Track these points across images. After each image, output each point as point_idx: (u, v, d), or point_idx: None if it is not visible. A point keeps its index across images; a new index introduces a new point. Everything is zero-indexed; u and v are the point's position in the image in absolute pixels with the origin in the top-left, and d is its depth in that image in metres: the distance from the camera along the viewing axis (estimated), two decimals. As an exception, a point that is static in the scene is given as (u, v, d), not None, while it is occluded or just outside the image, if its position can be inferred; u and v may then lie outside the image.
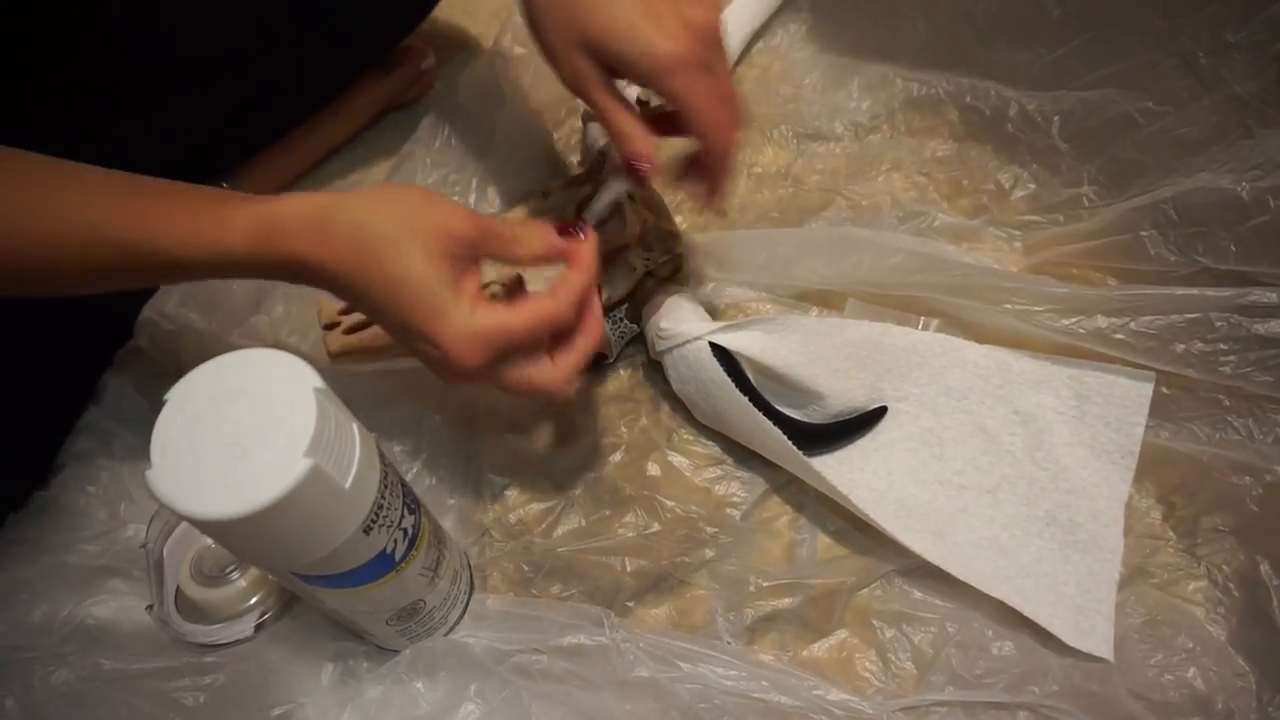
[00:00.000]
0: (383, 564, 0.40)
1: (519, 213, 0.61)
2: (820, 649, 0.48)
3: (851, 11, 0.67)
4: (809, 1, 0.69)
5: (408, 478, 0.52)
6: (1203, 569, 0.48)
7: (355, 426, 0.36)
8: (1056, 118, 0.58)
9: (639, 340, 0.56)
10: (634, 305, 0.53)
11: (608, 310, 0.52)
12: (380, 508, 0.38)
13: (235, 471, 0.32)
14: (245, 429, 0.33)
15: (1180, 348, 0.49)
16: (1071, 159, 0.58)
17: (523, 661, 0.46)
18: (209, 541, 0.50)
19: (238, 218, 0.39)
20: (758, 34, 0.70)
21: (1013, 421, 0.51)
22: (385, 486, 0.38)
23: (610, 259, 0.52)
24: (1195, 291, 0.48)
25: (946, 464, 0.51)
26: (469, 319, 0.39)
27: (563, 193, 0.55)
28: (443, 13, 0.74)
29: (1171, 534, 0.50)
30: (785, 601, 0.49)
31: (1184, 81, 0.52)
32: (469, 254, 0.40)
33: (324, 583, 0.38)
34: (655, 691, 0.44)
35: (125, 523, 0.52)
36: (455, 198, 0.62)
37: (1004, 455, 0.51)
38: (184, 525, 0.51)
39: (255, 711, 0.43)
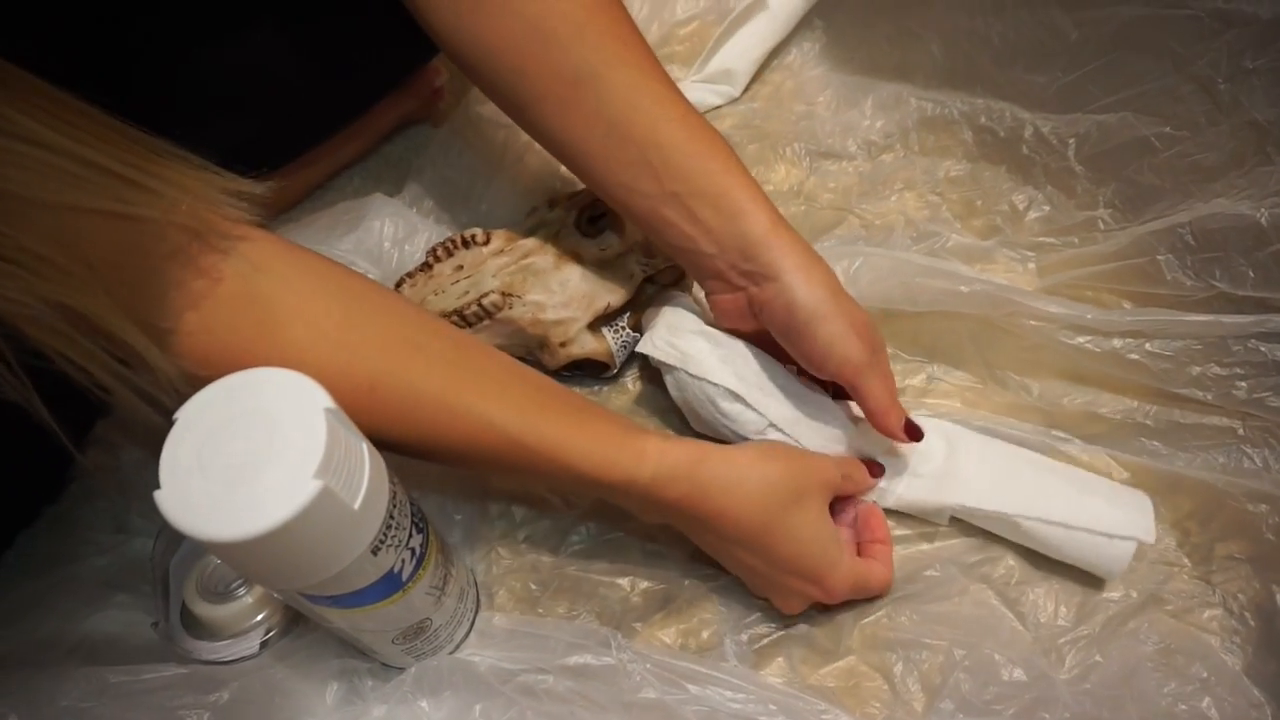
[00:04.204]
0: (390, 584, 0.39)
1: (527, 224, 0.61)
2: (828, 673, 0.47)
3: (866, 31, 0.67)
4: (823, 21, 0.69)
5: (415, 494, 0.52)
6: (1218, 597, 0.48)
7: (365, 447, 0.36)
8: (1072, 140, 0.58)
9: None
10: (636, 313, 0.53)
11: (609, 318, 0.52)
12: (389, 528, 0.37)
13: (244, 493, 0.32)
14: (255, 449, 0.33)
15: (1196, 370, 0.48)
16: (1087, 182, 0.57)
17: (528, 681, 0.46)
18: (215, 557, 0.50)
19: (649, 451, 0.43)
20: (772, 52, 0.70)
21: None
22: (394, 506, 0.38)
23: (609, 265, 0.52)
24: (1212, 317, 0.48)
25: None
26: (851, 567, 0.46)
27: (567, 201, 0.55)
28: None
29: (1186, 560, 0.49)
30: (793, 625, 0.48)
31: (1201, 107, 0.52)
32: (835, 490, 0.47)
33: (331, 603, 0.38)
34: (662, 713, 0.44)
35: (133, 536, 0.52)
36: (465, 212, 0.62)
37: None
38: (190, 540, 0.51)
39: (261, 730, 0.43)
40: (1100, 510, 0.47)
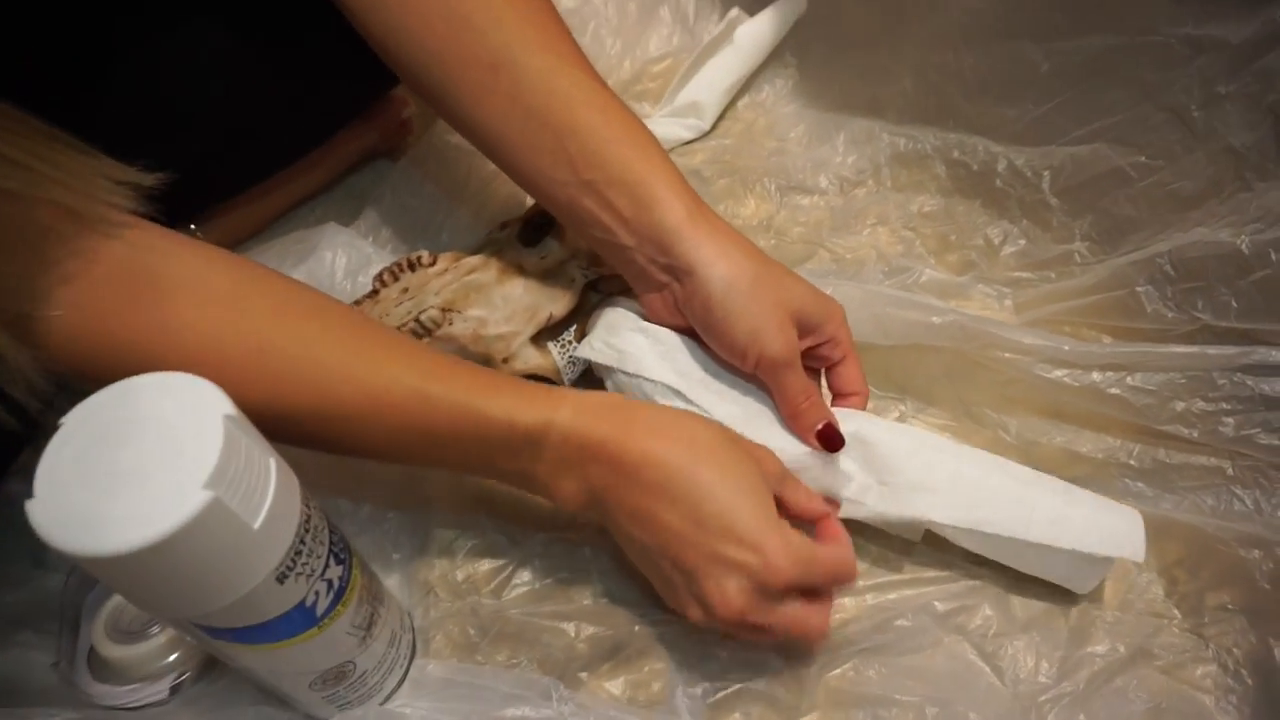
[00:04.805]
0: (302, 618, 0.36)
1: (476, 245, 0.59)
2: (790, 732, 0.44)
3: (838, 68, 0.66)
4: (795, 58, 0.69)
5: (350, 530, 0.49)
6: (1211, 651, 0.44)
7: (273, 461, 0.33)
8: (1046, 173, 0.56)
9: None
10: (582, 325, 0.51)
11: (555, 332, 0.50)
12: (298, 554, 0.34)
13: (126, 504, 0.29)
14: (143, 458, 0.30)
15: (1180, 406, 0.46)
16: (1062, 215, 0.56)
17: (461, 736, 0.42)
18: (130, 593, 0.46)
19: (567, 394, 0.40)
20: (743, 89, 0.69)
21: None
22: (306, 531, 0.35)
23: (551, 274, 0.50)
24: (1196, 349, 0.46)
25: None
26: (790, 535, 0.39)
27: (517, 223, 0.53)
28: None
29: (1176, 612, 0.46)
30: (751, 678, 0.44)
31: (1176, 135, 0.50)
32: (777, 485, 0.42)
33: (233, 636, 0.35)
34: (605, 773, 0.40)
35: (50, 572, 0.49)
36: (424, 242, 0.60)
37: None
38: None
39: (157, 784, 0.39)
40: (1087, 527, 0.43)
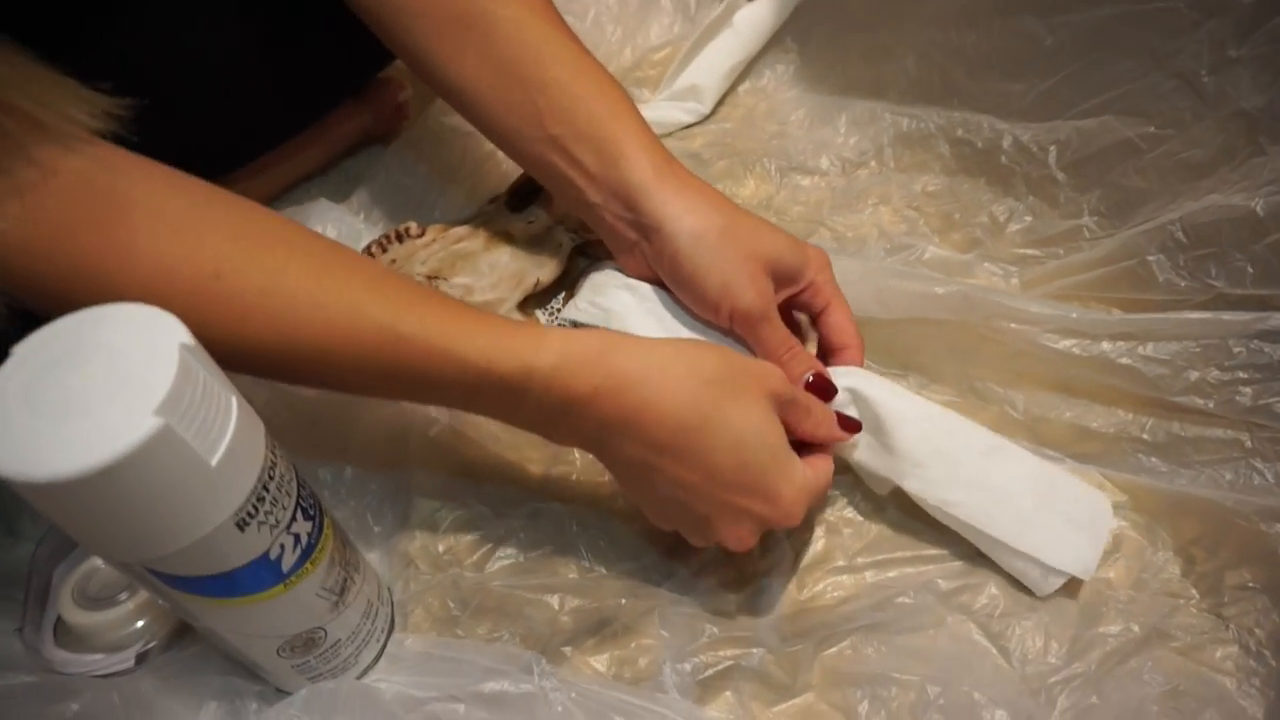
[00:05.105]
0: (267, 572, 0.34)
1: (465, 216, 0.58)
2: (783, 712, 0.41)
3: (839, 51, 0.65)
4: (796, 43, 0.68)
5: (330, 502, 0.47)
6: (1232, 632, 0.42)
7: (235, 400, 0.32)
8: (1053, 148, 0.55)
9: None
10: (569, 293, 0.49)
11: (542, 299, 0.48)
12: (261, 500, 0.33)
13: (73, 430, 0.27)
14: (93, 385, 0.28)
15: (1194, 375, 0.44)
16: (1070, 190, 0.54)
17: (437, 710, 0.40)
18: (99, 561, 0.44)
19: (550, 337, 0.37)
20: (743, 74, 0.68)
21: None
22: (271, 478, 0.33)
23: (538, 240, 0.49)
24: (1210, 315, 0.44)
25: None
26: (804, 478, 0.39)
27: (505, 194, 0.52)
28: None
29: (1194, 591, 0.43)
30: (744, 655, 0.42)
31: (1186, 102, 0.49)
32: (782, 410, 0.39)
33: (192, 587, 0.33)
34: (586, 750, 0.38)
35: (22, 541, 0.47)
36: (417, 220, 0.59)
37: None
38: (81, 548, 0.46)
39: (115, 752, 0.37)
40: (1047, 537, 0.42)
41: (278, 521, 0.34)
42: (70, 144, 0.33)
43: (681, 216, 0.41)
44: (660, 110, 0.65)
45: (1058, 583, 0.43)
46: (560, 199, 0.46)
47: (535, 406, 0.37)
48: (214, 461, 0.30)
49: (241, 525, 0.32)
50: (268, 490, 0.33)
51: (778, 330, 0.42)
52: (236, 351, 0.35)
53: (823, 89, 0.65)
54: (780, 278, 0.43)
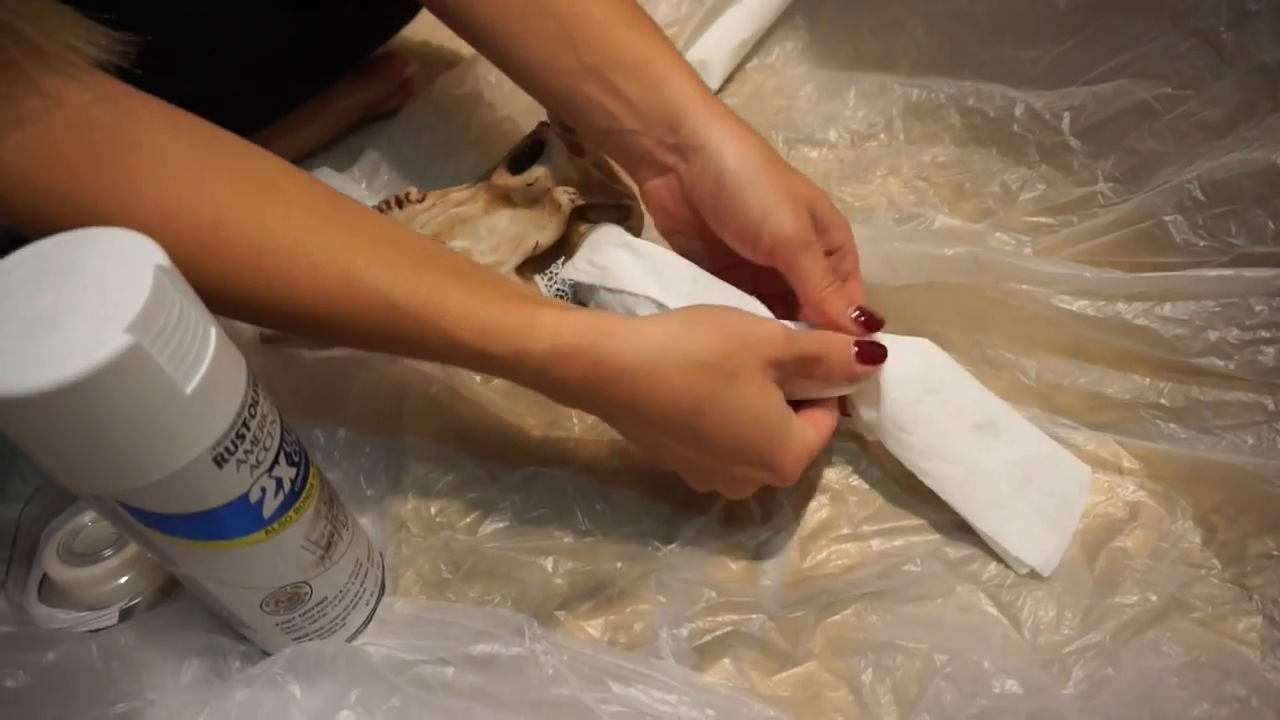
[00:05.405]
0: (245, 515, 0.33)
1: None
2: (783, 680, 0.40)
3: (849, 26, 0.64)
4: (806, 20, 0.67)
5: (324, 464, 0.46)
6: (1255, 603, 0.40)
7: (214, 330, 0.31)
8: (1066, 114, 0.53)
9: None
10: (569, 257, 0.48)
11: (542, 263, 0.47)
12: (240, 437, 0.32)
13: (40, 346, 0.27)
14: (65, 303, 0.28)
15: (1214, 335, 0.42)
16: (1084, 156, 0.52)
17: (425, 673, 0.39)
18: (86, 518, 0.44)
19: (543, 319, 0.36)
20: (752, 52, 0.67)
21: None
22: (251, 416, 0.32)
23: (537, 201, 0.48)
24: (1230, 272, 0.42)
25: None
26: (802, 441, 0.39)
27: (505, 158, 0.51)
28: (427, 23, 0.73)
29: (1215, 561, 0.41)
30: (743, 622, 0.41)
31: (1204, 61, 0.47)
32: (784, 373, 0.39)
33: (169, 526, 0.32)
34: (577, 713, 0.37)
35: (11, 502, 0.46)
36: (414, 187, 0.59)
37: None
38: (72, 508, 0.45)
39: (92, 704, 0.36)
40: (1014, 527, 0.42)
41: (259, 462, 0.33)
42: (74, 74, 0.32)
43: (726, 139, 0.40)
44: (667, 86, 0.64)
45: (1023, 570, 0.42)
46: (587, 132, 0.45)
47: (530, 383, 0.38)
48: (189, 389, 0.29)
49: (219, 460, 0.31)
50: (248, 428, 0.32)
51: (819, 261, 0.41)
52: (233, 301, 0.35)
53: (832, 65, 0.64)
54: (816, 224, 0.42)
